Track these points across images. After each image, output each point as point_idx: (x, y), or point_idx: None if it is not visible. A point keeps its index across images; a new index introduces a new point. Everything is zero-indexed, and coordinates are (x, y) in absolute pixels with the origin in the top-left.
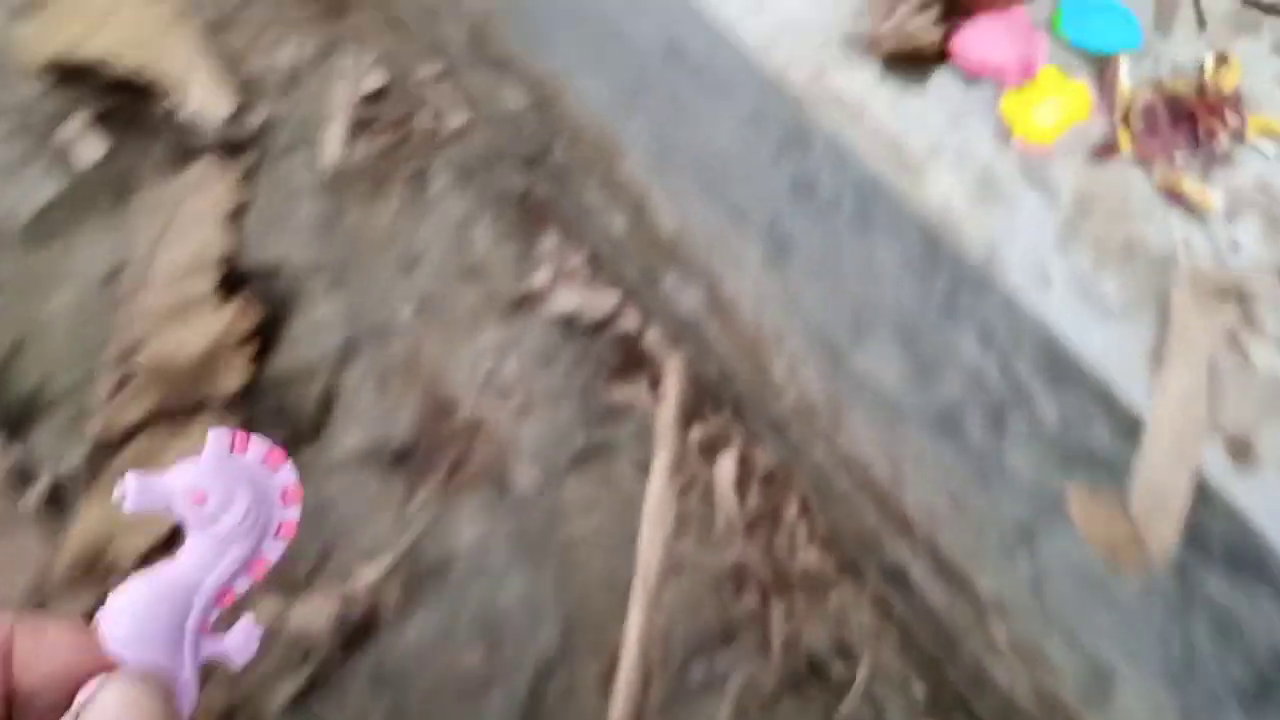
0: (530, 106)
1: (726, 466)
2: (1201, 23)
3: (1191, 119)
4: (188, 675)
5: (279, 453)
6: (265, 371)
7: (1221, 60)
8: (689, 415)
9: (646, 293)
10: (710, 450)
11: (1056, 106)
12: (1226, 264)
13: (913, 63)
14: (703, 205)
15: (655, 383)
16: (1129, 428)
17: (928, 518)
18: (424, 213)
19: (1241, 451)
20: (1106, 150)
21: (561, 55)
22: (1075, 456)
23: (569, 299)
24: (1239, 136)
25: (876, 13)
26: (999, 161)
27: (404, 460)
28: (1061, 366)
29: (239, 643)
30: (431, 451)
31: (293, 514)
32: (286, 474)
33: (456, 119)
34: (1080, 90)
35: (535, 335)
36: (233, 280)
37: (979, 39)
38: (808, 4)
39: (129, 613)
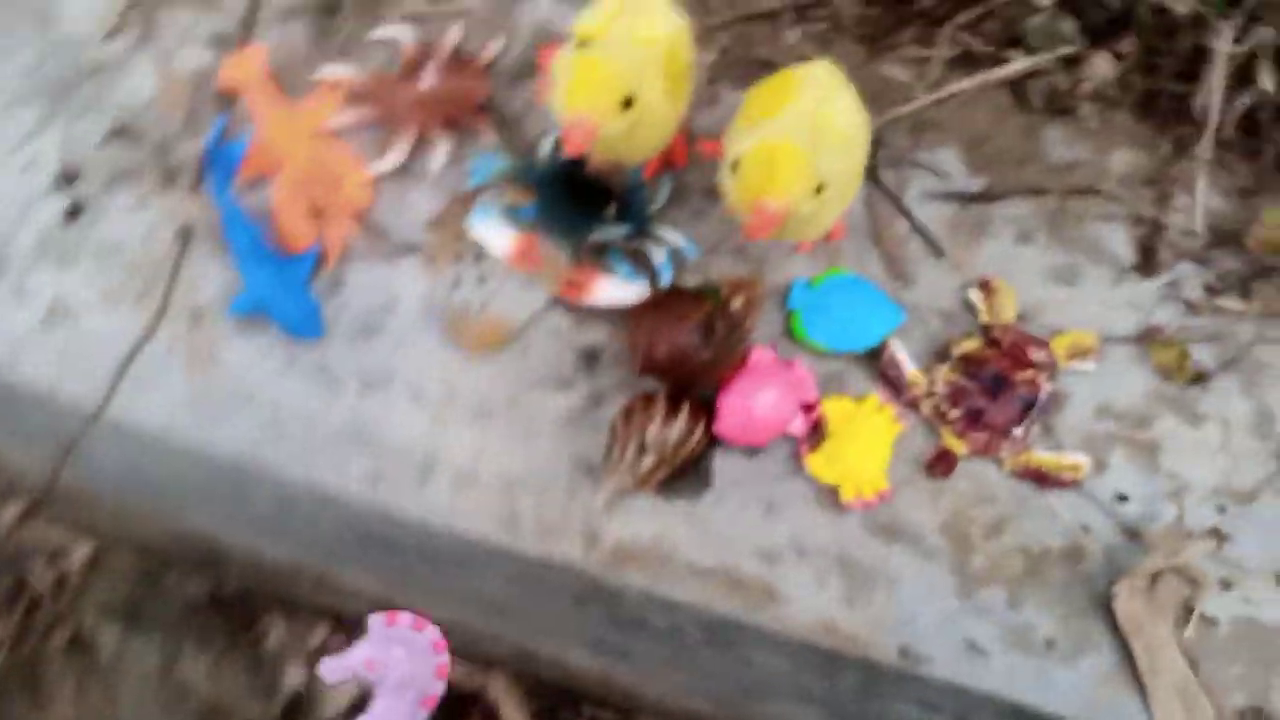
0: None
1: None
2: (938, 251)
3: (1003, 383)
4: None
5: (423, 619)
6: None
7: (986, 289)
8: None
9: None
10: None
11: (866, 442)
12: (1128, 523)
13: (685, 474)
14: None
15: None
16: None
17: None
18: (110, 683)
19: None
20: (942, 463)
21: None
22: None
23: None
24: (1051, 372)
25: (614, 462)
26: (847, 541)
27: None
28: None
29: None
30: None
31: (443, 659)
32: (432, 632)
33: (80, 552)
34: (873, 405)
35: None
36: None
37: (744, 411)
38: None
39: None
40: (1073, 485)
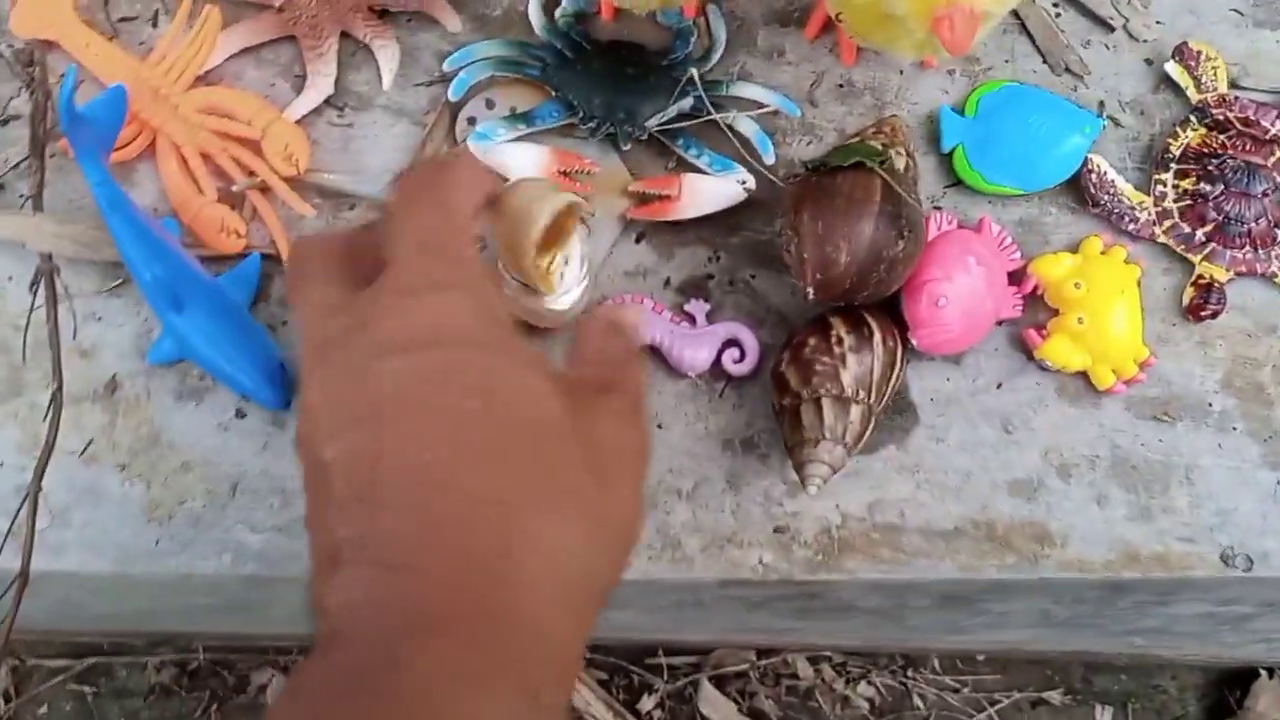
0: None
1: None
2: (1104, 23)
3: (1251, 172)
4: None
5: None
6: None
7: (1187, 55)
8: None
9: None
10: None
11: (1110, 302)
12: None
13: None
14: None
15: None
16: None
17: None
18: None
19: None
20: (1206, 300)
21: None
22: None
23: None
24: None
25: (808, 431)
26: (1117, 438)
27: None
28: None
29: None
30: None
31: None
32: None
33: None
34: (1117, 254)
35: None
36: None
37: (946, 307)
38: None
39: None
40: None
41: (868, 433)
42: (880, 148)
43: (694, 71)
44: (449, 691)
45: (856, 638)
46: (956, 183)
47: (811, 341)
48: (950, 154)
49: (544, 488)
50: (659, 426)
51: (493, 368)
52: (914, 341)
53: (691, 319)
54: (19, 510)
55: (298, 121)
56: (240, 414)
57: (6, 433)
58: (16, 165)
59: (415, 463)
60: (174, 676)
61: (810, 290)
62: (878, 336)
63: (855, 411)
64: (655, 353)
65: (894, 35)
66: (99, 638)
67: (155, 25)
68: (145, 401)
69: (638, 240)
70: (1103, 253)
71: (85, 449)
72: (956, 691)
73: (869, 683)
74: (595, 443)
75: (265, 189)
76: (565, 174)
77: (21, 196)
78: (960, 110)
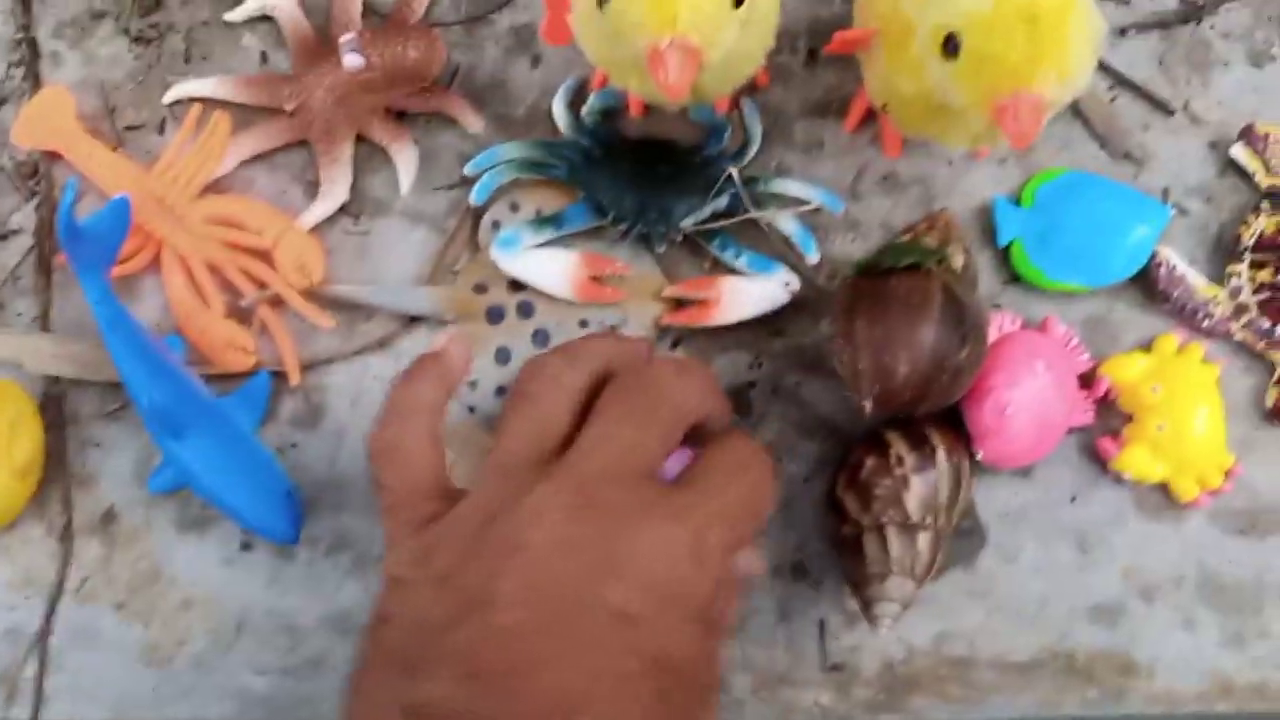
0: None
1: None
2: (1164, 107)
3: None
4: None
5: None
6: None
7: (1253, 137)
8: None
9: None
10: None
11: (1190, 407)
12: None
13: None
14: None
15: None
16: None
17: None
18: None
19: None
20: None
21: None
22: None
23: None
24: None
25: (874, 563)
26: (1204, 554)
27: None
28: None
29: None
30: None
31: None
32: None
33: None
34: (1193, 353)
35: None
36: None
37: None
38: None
39: None
40: None
41: (938, 562)
42: (936, 245)
43: (733, 169)
44: None
45: None
46: (1015, 279)
47: (869, 462)
48: (1007, 249)
49: None
50: None
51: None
52: (979, 454)
53: None
54: (26, 658)
55: (311, 230)
56: (246, 546)
57: None
58: (16, 280)
59: None
60: None
61: (868, 405)
62: (942, 453)
63: (923, 539)
64: None
65: (947, 127)
66: None
67: (162, 133)
68: (144, 533)
69: (674, 346)
70: (1179, 351)
71: (81, 586)
72: None
73: None
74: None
75: (277, 302)
76: (596, 279)
77: (19, 315)
78: (1016, 201)
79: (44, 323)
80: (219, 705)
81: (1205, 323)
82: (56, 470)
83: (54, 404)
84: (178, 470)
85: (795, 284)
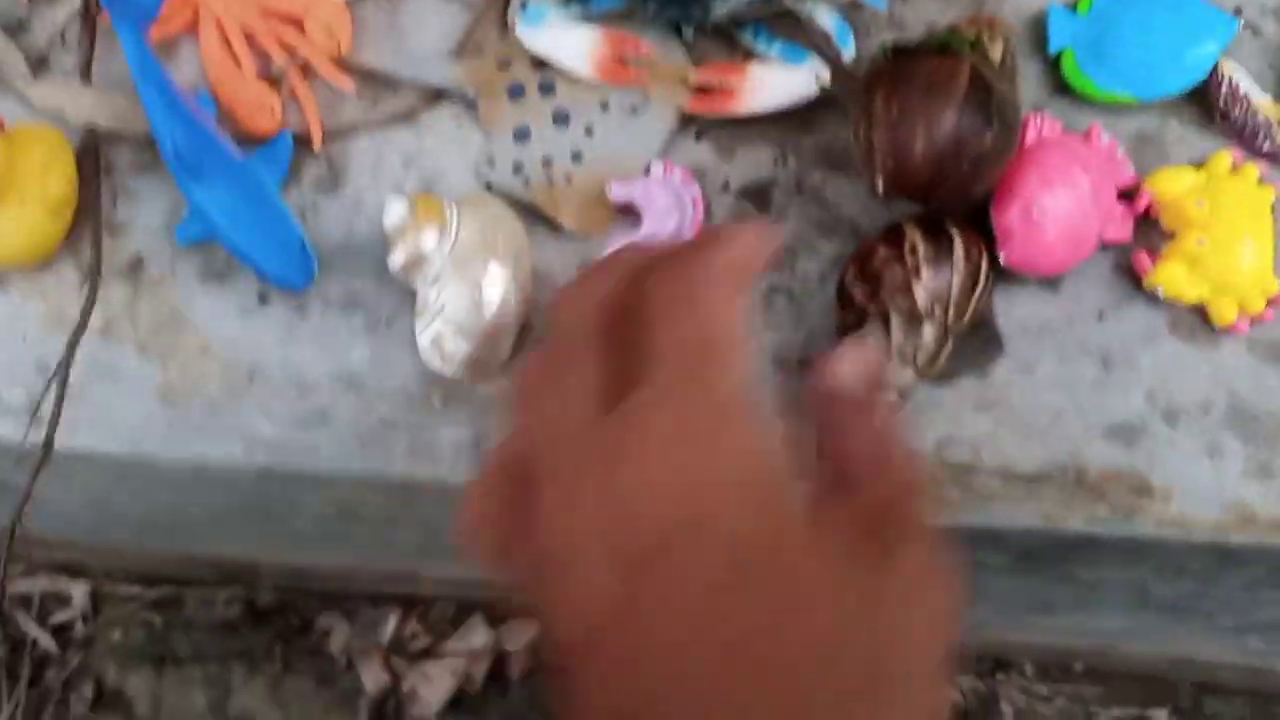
0: None
1: None
2: None
3: None
4: None
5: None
6: None
7: None
8: None
9: None
10: None
11: (1236, 227)
12: None
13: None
14: None
15: None
16: None
17: None
18: None
19: None
20: None
21: None
22: None
23: None
24: None
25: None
26: (1236, 382)
27: None
28: None
29: None
30: None
31: (699, 215)
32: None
33: (77, 597)
34: (1249, 173)
35: None
36: None
37: (1042, 220)
38: None
39: None
40: None
41: (943, 356)
42: (974, 36)
43: None
44: None
45: None
46: (1064, 91)
47: (881, 251)
48: (1058, 57)
49: None
50: None
51: (769, 572)
52: (1003, 257)
53: None
54: (49, 385)
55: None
56: (263, 299)
57: (32, 306)
58: (63, 39)
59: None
60: (241, 613)
61: (880, 182)
62: (959, 247)
63: (928, 330)
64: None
65: None
66: (168, 564)
67: None
68: (169, 281)
69: (697, 138)
70: (1232, 171)
71: (106, 326)
72: (1049, 700)
73: (954, 685)
74: (884, 629)
75: (305, 70)
76: (620, 60)
77: (66, 73)
78: (1072, 8)
79: (86, 80)
80: (228, 445)
81: (1265, 146)
82: (91, 217)
83: (91, 155)
84: (204, 222)
85: (825, 76)
